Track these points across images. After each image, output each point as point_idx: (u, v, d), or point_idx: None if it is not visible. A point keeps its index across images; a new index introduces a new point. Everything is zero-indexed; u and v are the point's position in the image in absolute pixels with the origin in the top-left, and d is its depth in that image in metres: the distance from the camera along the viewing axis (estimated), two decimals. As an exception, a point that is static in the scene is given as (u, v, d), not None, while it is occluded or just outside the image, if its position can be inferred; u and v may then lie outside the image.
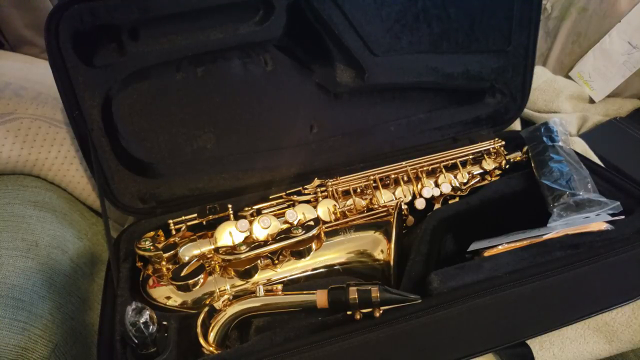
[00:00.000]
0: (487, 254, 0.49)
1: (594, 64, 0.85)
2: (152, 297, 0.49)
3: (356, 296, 0.40)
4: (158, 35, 0.53)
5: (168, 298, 0.48)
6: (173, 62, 0.56)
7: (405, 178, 0.61)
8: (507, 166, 0.64)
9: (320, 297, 0.42)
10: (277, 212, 0.56)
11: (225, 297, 0.46)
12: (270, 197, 0.58)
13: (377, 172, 0.60)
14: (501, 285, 0.43)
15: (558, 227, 0.50)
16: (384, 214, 0.55)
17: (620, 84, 0.84)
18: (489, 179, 0.62)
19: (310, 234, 0.50)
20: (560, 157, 0.58)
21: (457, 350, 0.45)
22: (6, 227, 0.54)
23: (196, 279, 0.48)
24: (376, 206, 0.57)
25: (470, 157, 0.63)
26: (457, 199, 0.60)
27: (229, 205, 0.54)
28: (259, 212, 0.55)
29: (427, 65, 0.66)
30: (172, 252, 0.50)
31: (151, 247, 0.50)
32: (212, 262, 0.51)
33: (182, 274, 0.48)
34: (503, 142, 0.65)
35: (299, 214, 0.55)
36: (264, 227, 0.53)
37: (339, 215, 0.57)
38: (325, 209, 0.56)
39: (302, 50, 0.61)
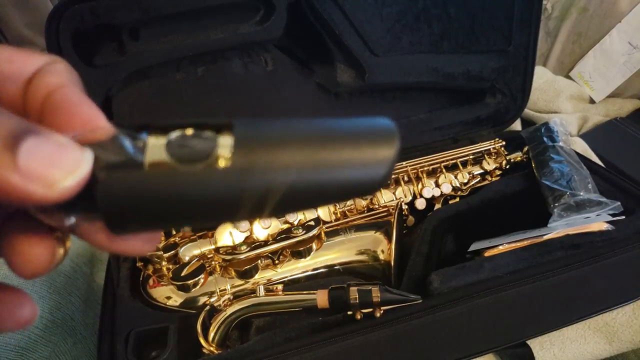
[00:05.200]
0: (487, 254, 0.49)
1: (594, 64, 0.85)
2: (152, 297, 0.49)
3: (357, 296, 0.40)
4: (158, 35, 0.53)
5: (168, 298, 0.48)
6: (173, 61, 0.56)
7: (406, 178, 0.61)
8: (507, 166, 0.64)
9: (320, 297, 0.42)
10: (278, 212, 0.55)
11: (226, 297, 0.46)
12: (271, 197, 0.58)
13: (377, 172, 0.60)
14: (502, 285, 0.43)
15: (558, 227, 0.50)
16: (385, 214, 0.55)
17: (621, 84, 0.84)
18: (490, 179, 0.62)
19: (310, 234, 0.50)
20: (561, 158, 0.58)
21: (457, 350, 0.45)
22: (6, 227, 0.54)
23: (196, 279, 0.48)
24: (376, 206, 0.57)
25: (471, 157, 0.63)
26: (457, 199, 0.60)
27: (229, 205, 0.54)
28: (259, 212, 0.55)
29: (428, 65, 0.66)
30: (172, 252, 0.50)
31: (151, 247, 0.50)
32: (213, 262, 0.50)
33: (183, 274, 0.48)
34: (503, 143, 0.65)
35: (299, 213, 0.55)
36: (264, 227, 0.53)
37: (339, 215, 0.57)
38: (325, 209, 0.56)
39: (303, 50, 0.61)
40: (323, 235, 0.52)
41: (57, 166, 0.13)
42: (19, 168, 0.12)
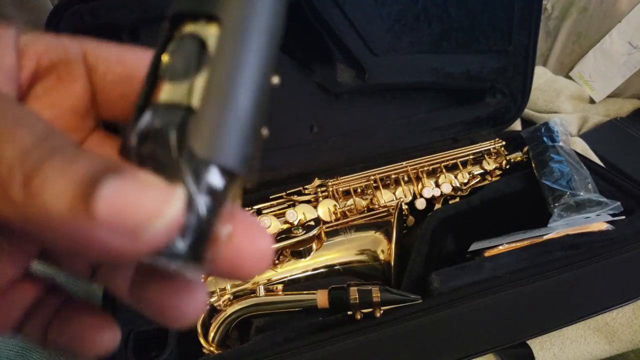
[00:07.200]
0: (487, 254, 0.49)
1: (594, 64, 0.85)
2: (152, 297, 0.49)
3: (357, 296, 0.40)
4: (158, 35, 0.53)
5: (168, 298, 0.48)
6: (173, 62, 0.56)
7: (406, 178, 0.61)
8: (507, 166, 0.64)
9: (320, 297, 0.42)
10: (278, 212, 0.55)
11: (226, 297, 0.46)
12: (271, 197, 0.58)
13: (377, 172, 0.60)
14: (502, 285, 0.43)
15: (558, 227, 0.50)
16: (385, 214, 0.55)
17: (621, 84, 0.84)
18: (490, 179, 0.62)
19: (310, 234, 0.50)
20: (561, 158, 0.58)
21: (457, 350, 0.45)
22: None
23: (196, 279, 0.48)
24: (377, 206, 0.57)
25: (471, 157, 0.63)
26: (457, 199, 0.60)
27: (230, 205, 0.54)
28: (259, 212, 0.55)
29: (428, 65, 0.66)
30: (172, 252, 0.50)
31: (151, 247, 0.50)
32: (213, 262, 0.50)
33: (183, 274, 0.48)
34: (503, 142, 0.65)
35: (300, 214, 0.55)
36: (264, 227, 0.53)
37: (339, 215, 0.57)
38: (325, 209, 0.56)
39: (303, 50, 0.61)
40: (323, 235, 0.52)
41: (142, 210, 0.11)
42: (97, 218, 0.10)
